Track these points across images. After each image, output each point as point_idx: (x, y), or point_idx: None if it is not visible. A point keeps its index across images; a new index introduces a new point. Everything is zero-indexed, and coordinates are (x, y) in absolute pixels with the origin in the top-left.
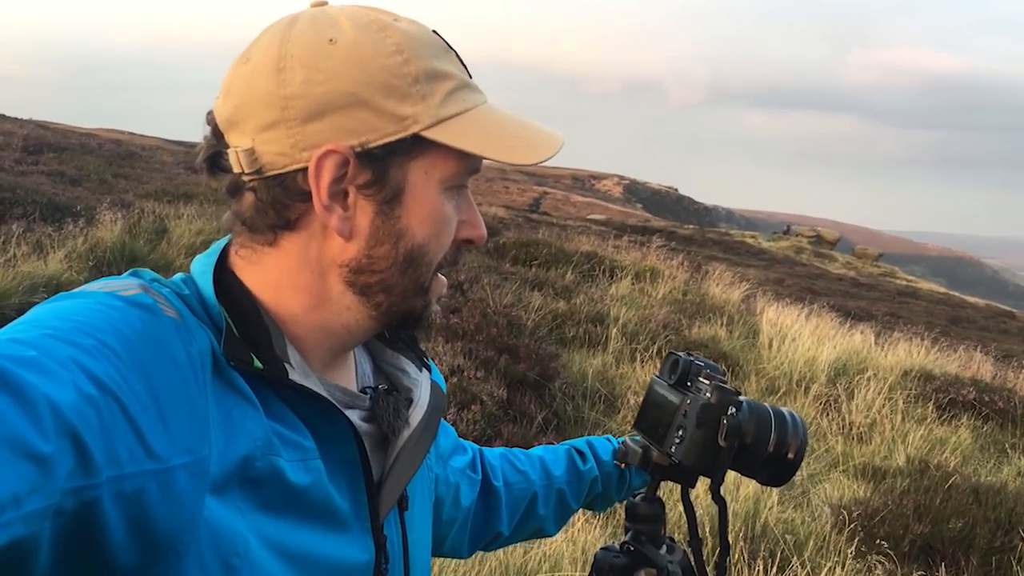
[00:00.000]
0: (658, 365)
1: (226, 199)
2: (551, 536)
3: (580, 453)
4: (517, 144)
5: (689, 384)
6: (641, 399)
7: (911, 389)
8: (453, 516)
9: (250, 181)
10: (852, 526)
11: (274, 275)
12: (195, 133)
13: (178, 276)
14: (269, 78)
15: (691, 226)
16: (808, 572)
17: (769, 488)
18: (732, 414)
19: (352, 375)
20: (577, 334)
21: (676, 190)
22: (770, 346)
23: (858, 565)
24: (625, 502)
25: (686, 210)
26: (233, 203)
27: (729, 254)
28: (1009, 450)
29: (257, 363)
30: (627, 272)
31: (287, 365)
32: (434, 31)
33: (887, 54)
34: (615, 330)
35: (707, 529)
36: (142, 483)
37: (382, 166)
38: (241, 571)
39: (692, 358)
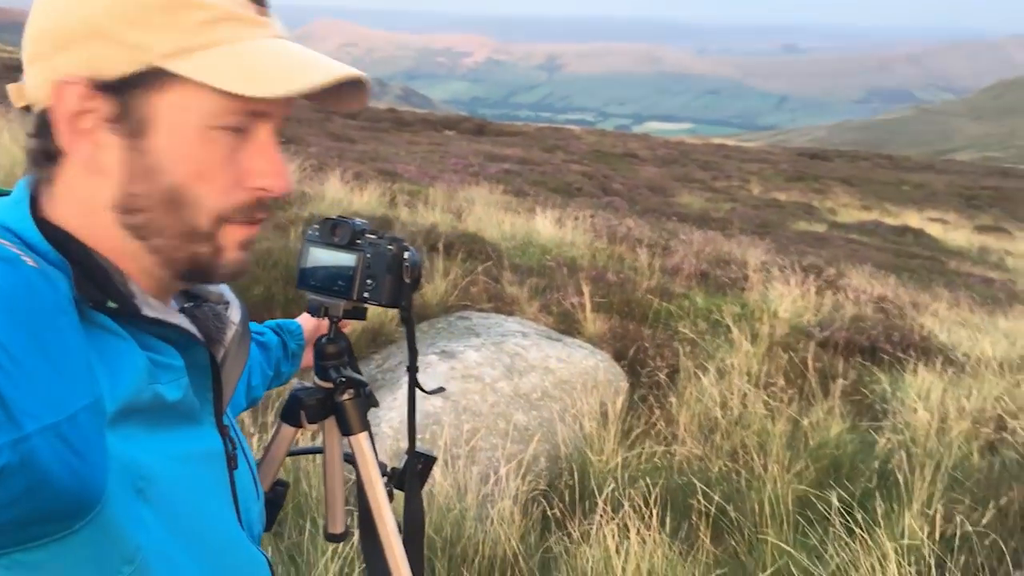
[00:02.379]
0: None
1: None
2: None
3: (258, 332)
4: (265, 75)
5: (359, 242)
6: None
7: None
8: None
9: (32, 119)
10: None
11: (79, 218)
12: None
13: None
14: (34, 13)
15: None
16: None
17: None
18: (407, 257)
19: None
20: None
21: None
22: None
23: None
24: (315, 349)
25: None
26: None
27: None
28: None
29: (111, 303)
30: None
31: (135, 302)
32: None
33: None
34: None
35: None
36: (60, 432)
37: (124, 99)
38: (147, 492)
39: (349, 220)
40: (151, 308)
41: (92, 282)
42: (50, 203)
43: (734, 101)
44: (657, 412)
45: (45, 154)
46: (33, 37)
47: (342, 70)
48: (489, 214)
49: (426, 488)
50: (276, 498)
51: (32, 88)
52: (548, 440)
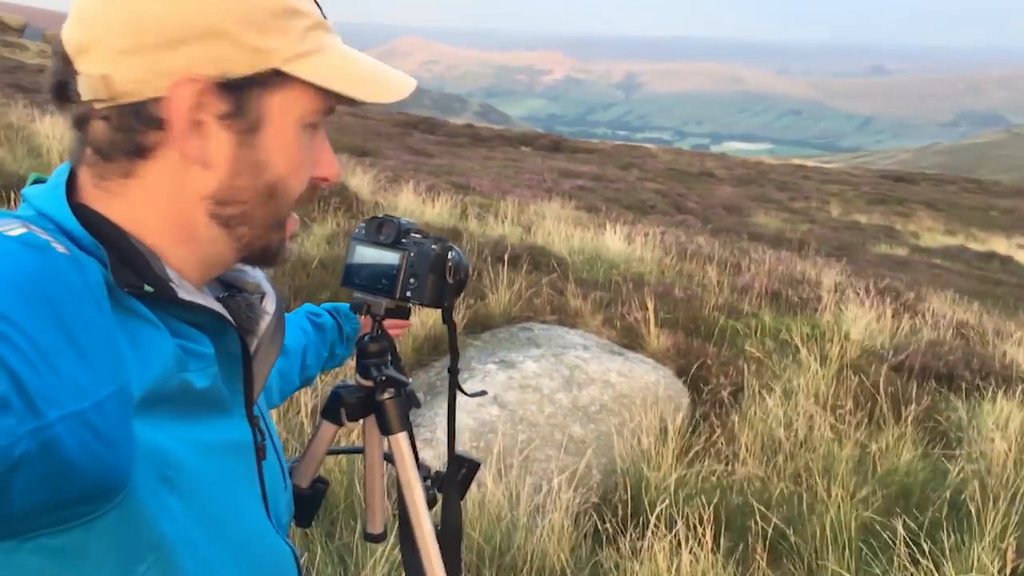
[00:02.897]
0: None
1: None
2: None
3: (315, 313)
4: (371, 83)
5: (404, 241)
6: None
7: None
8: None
9: (103, 109)
10: None
11: (139, 207)
12: None
13: (24, 212)
14: (126, 4)
15: None
16: None
17: None
18: (452, 257)
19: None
20: None
21: None
22: None
23: None
24: (357, 347)
25: None
26: (81, 133)
27: None
28: (307, 221)
29: (147, 287)
30: None
31: (172, 285)
32: None
33: None
34: None
35: None
36: (84, 419)
37: (241, 97)
38: (174, 480)
39: (396, 219)
40: (186, 291)
41: (129, 267)
42: (104, 193)
43: (816, 122)
44: (718, 430)
45: (134, 148)
46: (122, 28)
47: (411, 83)
48: (559, 228)
49: (477, 496)
50: (316, 495)
51: (128, 81)
52: (604, 454)
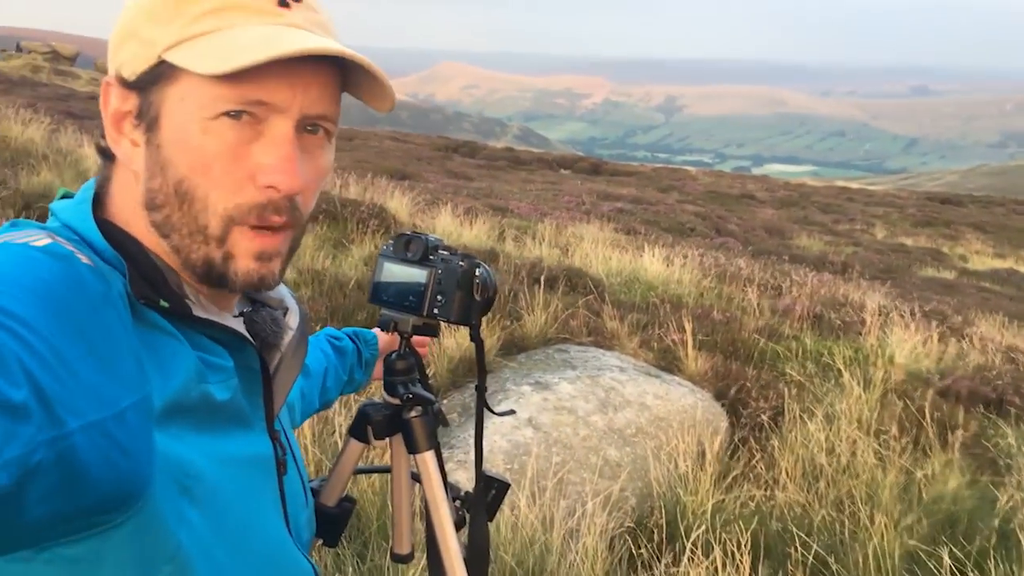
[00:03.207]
0: None
1: None
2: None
3: (335, 336)
4: (235, 53)
5: (431, 258)
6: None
7: None
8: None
9: None
10: None
11: (125, 214)
12: None
13: (51, 224)
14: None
15: None
16: None
17: None
18: (479, 274)
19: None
20: None
21: None
22: None
23: None
24: (384, 364)
25: None
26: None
27: None
28: (345, 243)
29: (163, 302)
30: None
31: (188, 301)
32: None
33: None
34: None
35: None
36: (104, 429)
37: (143, 94)
38: (195, 490)
39: (423, 236)
40: (202, 309)
41: (147, 281)
42: (111, 203)
43: (860, 143)
44: (757, 455)
45: (103, 153)
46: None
47: (312, 43)
48: (596, 250)
49: (510, 518)
50: (343, 514)
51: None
52: (640, 477)
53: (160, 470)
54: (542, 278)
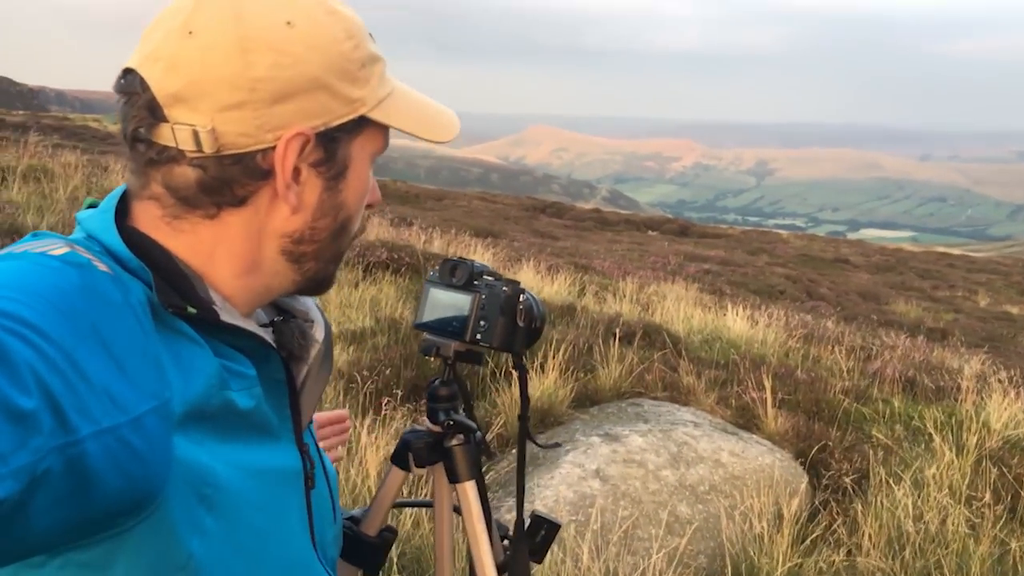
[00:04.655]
0: None
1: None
2: None
3: None
4: (435, 123)
5: (476, 283)
6: None
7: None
8: None
9: (196, 158)
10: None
11: (209, 245)
12: None
13: (75, 235)
14: (233, 59)
15: (21, 112)
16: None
17: None
18: (523, 300)
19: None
20: None
21: None
22: None
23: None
24: (428, 391)
25: (7, 93)
26: (153, 173)
27: (75, 140)
28: None
29: (190, 308)
30: (14, 174)
31: (215, 307)
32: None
33: None
34: None
35: None
36: (119, 435)
37: (335, 146)
38: (214, 499)
39: (469, 261)
40: (229, 315)
41: (173, 288)
42: (170, 229)
43: (962, 209)
44: (839, 519)
45: (232, 198)
46: (228, 83)
47: (456, 119)
48: (679, 308)
49: (573, 571)
50: (383, 544)
51: (232, 134)
52: (712, 536)
53: (177, 476)
54: (617, 331)
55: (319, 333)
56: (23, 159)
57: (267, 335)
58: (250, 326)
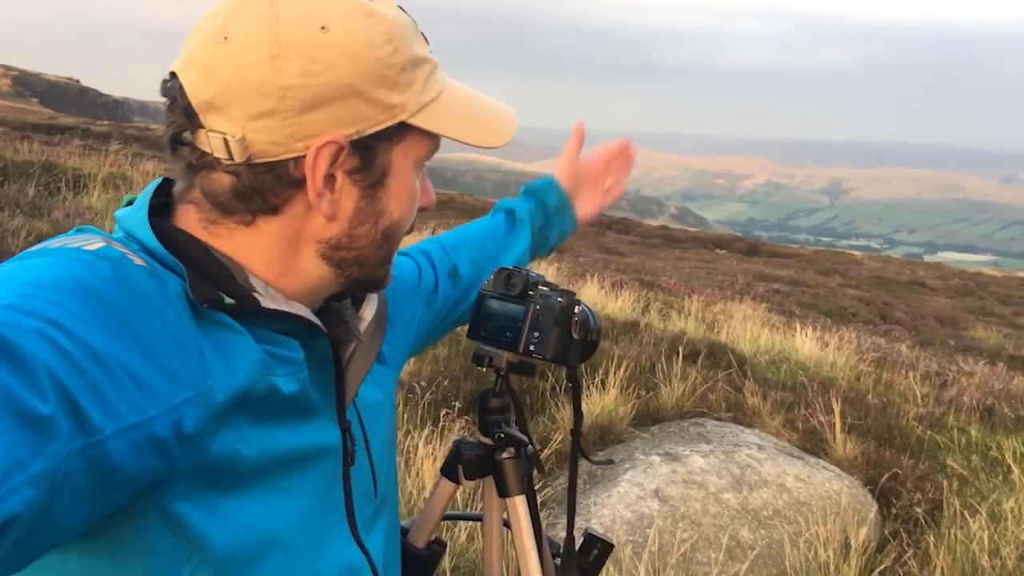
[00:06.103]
0: None
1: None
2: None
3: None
4: (486, 127)
5: (531, 293)
6: None
7: None
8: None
9: (230, 165)
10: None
11: (247, 250)
12: None
13: (115, 233)
14: (262, 66)
15: (105, 122)
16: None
17: None
18: (578, 312)
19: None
20: None
21: (78, 81)
22: None
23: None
24: (479, 401)
25: (93, 103)
26: (193, 177)
27: (154, 150)
28: None
29: (228, 299)
30: (94, 180)
31: (255, 295)
32: (400, 7)
33: None
34: None
35: None
36: (146, 429)
37: (371, 153)
38: (240, 484)
39: (524, 271)
40: (271, 300)
41: (210, 280)
42: (208, 233)
43: None
44: (909, 550)
45: (265, 205)
46: (258, 91)
47: (513, 119)
48: (745, 328)
49: None
50: (431, 557)
51: (264, 143)
52: (775, 564)
53: (203, 464)
54: (681, 350)
55: (368, 311)
56: (104, 167)
57: (310, 315)
58: (293, 308)
